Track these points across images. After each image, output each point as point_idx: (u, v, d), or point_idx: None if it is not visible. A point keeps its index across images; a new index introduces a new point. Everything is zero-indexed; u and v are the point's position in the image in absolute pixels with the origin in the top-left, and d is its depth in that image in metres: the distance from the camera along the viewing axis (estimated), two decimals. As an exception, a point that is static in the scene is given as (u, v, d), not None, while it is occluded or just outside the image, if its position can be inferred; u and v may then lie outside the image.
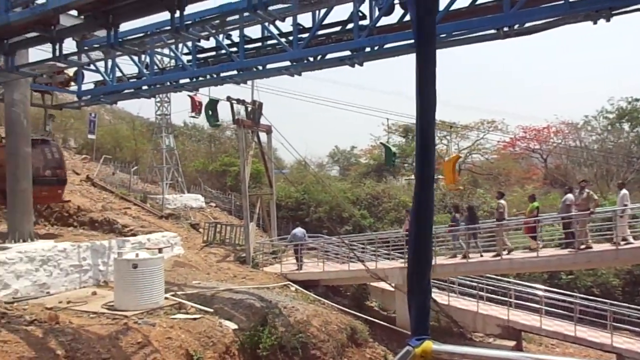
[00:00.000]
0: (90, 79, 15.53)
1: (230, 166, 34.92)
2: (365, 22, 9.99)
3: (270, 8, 8.34)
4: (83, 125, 27.69)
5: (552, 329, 15.37)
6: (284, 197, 30.36)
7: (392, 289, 16.65)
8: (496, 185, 35.74)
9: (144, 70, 13.37)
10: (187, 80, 13.39)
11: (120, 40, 8.89)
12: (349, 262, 17.81)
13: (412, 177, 39.06)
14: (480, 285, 17.36)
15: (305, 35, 10.51)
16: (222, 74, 12.60)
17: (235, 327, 11.80)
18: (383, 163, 40.10)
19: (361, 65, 10.83)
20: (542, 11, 8.33)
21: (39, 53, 12.06)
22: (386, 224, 27.98)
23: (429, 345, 2.14)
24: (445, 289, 17.96)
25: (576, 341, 15.03)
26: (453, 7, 8.73)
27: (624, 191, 14.10)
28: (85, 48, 10.08)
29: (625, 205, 13.82)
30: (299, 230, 19.56)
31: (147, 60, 13.42)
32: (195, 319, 11.31)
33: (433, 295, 15.44)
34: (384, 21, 9.78)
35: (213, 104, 17.58)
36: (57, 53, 9.40)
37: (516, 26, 8.91)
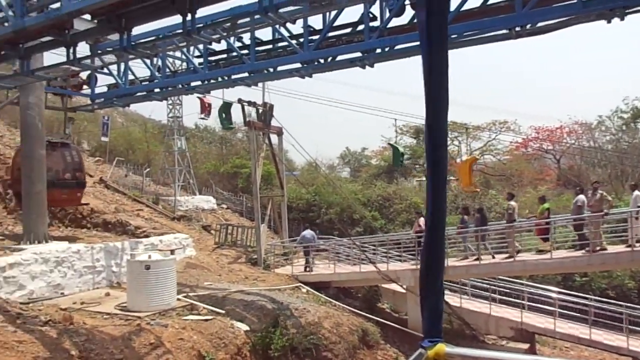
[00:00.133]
0: (103, 82, 15.71)
1: (242, 168, 35.04)
2: (376, 24, 9.98)
3: (281, 10, 8.35)
4: (96, 127, 28.00)
5: (567, 332, 15.20)
6: (295, 198, 30.39)
7: (404, 291, 16.58)
8: (509, 186, 35.46)
9: (156, 73, 13.48)
10: (199, 82, 13.48)
11: (132, 43, 8.97)
12: (360, 263, 17.78)
13: (424, 178, 38.93)
14: (492, 287, 17.23)
15: (316, 37, 10.53)
16: (233, 76, 12.66)
17: (247, 328, 11.83)
18: (401, 165, 40.10)
19: (372, 66, 10.82)
20: (554, 11, 8.26)
21: (53, 57, 12.23)
22: (397, 225, 27.90)
23: (442, 348, 2.14)
24: (457, 290, 17.84)
25: (591, 344, 14.85)
26: (464, 8, 8.69)
27: (637, 192, 13.91)
28: (99, 51, 10.17)
29: (639, 207, 13.64)
30: (308, 232, 19.57)
31: (159, 63, 13.53)
32: (207, 320, 11.36)
33: (445, 297, 15.38)
34: (395, 22, 9.76)
35: (226, 107, 17.66)
36: (71, 57, 9.49)
37: (528, 26, 8.85)
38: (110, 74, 14.08)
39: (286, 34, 10.98)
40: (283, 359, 11.84)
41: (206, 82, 13.31)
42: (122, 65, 13.87)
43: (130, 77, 14.27)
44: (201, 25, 8.43)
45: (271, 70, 12.05)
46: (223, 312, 12.18)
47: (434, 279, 2.37)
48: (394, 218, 29.24)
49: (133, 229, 19.63)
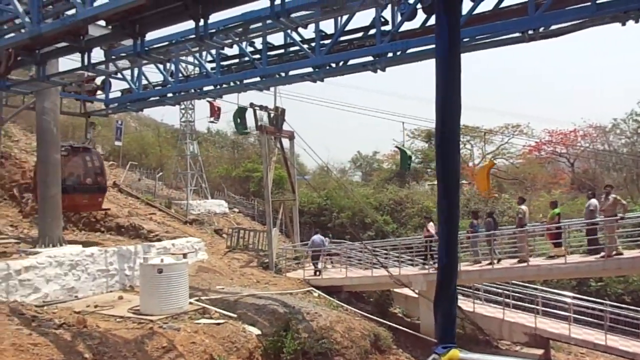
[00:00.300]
0: (117, 87, 15.88)
1: (253, 172, 35.17)
2: (388, 28, 9.97)
3: (293, 15, 8.40)
4: (110, 132, 28.30)
5: (582, 338, 14.99)
6: (307, 202, 30.40)
7: (416, 296, 16.48)
8: (522, 190, 35.16)
9: (169, 78, 13.60)
10: (211, 87, 13.58)
11: (146, 49, 9.07)
12: (372, 268, 17.72)
13: (436, 182, 38.69)
14: (506, 292, 17.06)
15: (328, 41, 10.55)
16: (245, 81, 12.72)
17: (259, 332, 11.84)
18: (408, 168, 39.95)
19: (383, 70, 10.82)
20: (568, 13, 8.19)
21: (68, 62, 12.39)
22: (409, 229, 27.77)
23: (456, 353, 2.13)
24: (470, 295, 17.70)
25: (607, 350, 14.62)
26: (476, 11, 8.66)
27: None
28: (113, 57, 10.31)
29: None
30: (317, 237, 19.58)
31: (172, 68, 13.65)
32: (219, 324, 11.39)
33: (458, 302, 15.26)
34: (407, 26, 9.76)
35: (241, 112, 17.74)
36: (86, 62, 9.63)
37: (541, 29, 8.78)
38: (124, 79, 14.24)
39: (298, 38, 11.02)
40: (295, 364, 11.83)
41: (218, 86, 13.41)
42: (136, 71, 14.03)
43: (144, 82, 14.42)
44: (214, 30, 8.50)
45: (283, 74, 12.10)
46: (235, 316, 12.20)
47: (447, 284, 2.36)
48: (405, 222, 29.10)
49: (146, 233, 19.78)
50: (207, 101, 22.23)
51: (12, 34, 9.35)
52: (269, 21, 8.66)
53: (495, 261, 15.49)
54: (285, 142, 22.19)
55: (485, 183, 16.13)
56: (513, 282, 17.20)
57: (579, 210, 24.72)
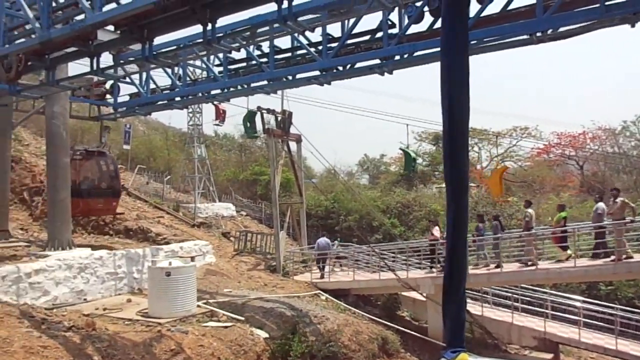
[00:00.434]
0: (125, 91, 15.97)
1: (261, 175, 35.21)
2: (395, 31, 9.97)
3: (300, 19, 8.42)
4: (118, 136, 28.46)
5: (592, 342, 14.85)
6: (314, 205, 30.39)
7: (424, 299, 16.42)
8: (530, 192, 34.95)
9: (177, 82, 13.68)
10: (219, 91, 13.64)
11: (154, 53, 9.13)
12: (380, 271, 17.68)
13: (444, 185, 38.56)
14: (515, 295, 16.95)
15: (335, 44, 10.56)
16: (252, 85, 12.77)
17: (266, 335, 11.84)
18: (413, 170, 39.86)
19: (391, 73, 10.80)
20: (576, 15, 8.14)
21: (77, 67, 12.50)
22: (417, 232, 27.67)
23: (465, 357, 2.12)
24: (478, 299, 17.60)
25: (618, 355, 14.46)
26: (484, 14, 8.63)
27: None
28: (121, 61, 10.38)
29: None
30: (323, 240, 19.59)
31: (180, 72, 13.73)
32: (226, 327, 11.40)
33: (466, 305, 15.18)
34: (414, 29, 9.75)
35: (251, 115, 17.79)
36: (95, 67, 9.70)
37: (550, 31, 8.73)
38: (132, 83, 14.34)
39: (305, 42, 11.05)
40: (302, 367, 11.82)
41: (226, 90, 13.46)
42: (144, 75, 14.12)
43: (152, 86, 14.51)
44: (221, 34, 8.54)
45: (290, 78, 12.12)
46: (242, 319, 12.22)
47: (456, 288, 2.35)
48: (413, 225, 29.00)
49: (154, 236, 19.87)
50: (213, 104, 22.30)
51: (23, 39, 9.46)
52: (276, 25, 8.68)
53: (492, 265, 15.45)
54: (293, 145, 22.24)
55: (498, 187, 16.12)
56: (522, 285, 17.09)
57: (588, 213, 24.52)
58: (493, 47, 9.48)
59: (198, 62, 13.40)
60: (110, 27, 8.26)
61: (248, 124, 17.92)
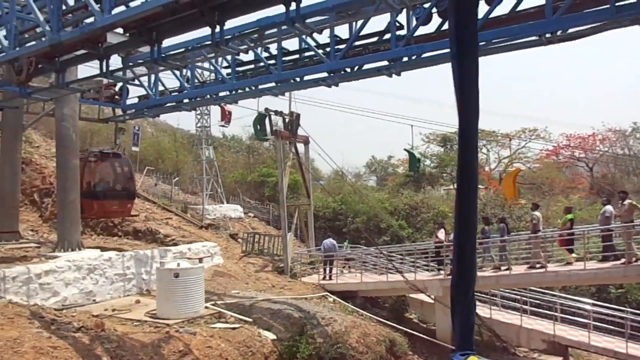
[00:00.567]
0: (134, 93, 16.08)
1: (268, 177, 35.28)
2: (403, 32, 9.96)
3: (308, 21, 8.43)
4: (127, 137, 28.59)
5: (602, 345, 14.71)
6: (322, 207, 30.39)
7: (432, 301, 16.36)
8: (539, 194, 34.73)
9: (185, 84, 13.73)
10: (227, 92, 13.67)
11: (163, 55, 9.16)
12: (388, 273, 17.63)
13: (451, 187, 38.49)
14: (524, 298, 16.84)
15: (343, 46, 10.55)
16: (260, 86, 12.79)
17: (274, 337, 11.85)
18: (421, 173, 39.77)
19: (398, 75, 10.79)
20: (586, 16, 8.08)
21: (87, 70, 12.60)
22: (425, 234, 27.59)
23: (475, 360, 2.10)
24: (487, 301, 17.51)
25: (628, 359, 14.33)
26: (492, 15, 8.60)
27: None
28: (130, 64, 10.44)
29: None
30: (328, 241, 19.59)
31: (188, 74, 13.78)
32: (234, 328, 11.42)
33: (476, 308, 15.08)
34: (422, 30, 9.72)
35: (261, 118, 17.83)
36: (104, 69, 9.76)
37: (559, 32, 8.68)
38: (141, 85, 14.41)
39: (313, 43, 11.04)
40: (310, 369, 11.81)
41: (234, 92, 13.49)
42: (153, 77, 14.18)
43: (160, 88, 14.57)
44: (229, 36, 8.56)
45: (298, 79, 12.12)
46: (250, 320, 12.23)
47: (465, 290, 2.34)
48: (421, 227, 28.93)
49: (162, 237, 19.96)
50: (220, 106, 22.39)
51: (33, 42, 9.55)
52: (284, 27, 8.70)
53: (503, 267, 15.38)
54: (300, 147, 22.26)
55: (511, 190, 16.13)
56: (530, 288, 16.99)
57: (597, 215, 24.30)
58: (502, 49, 9.44)
59: (206, 64, 13.44)
60: (120, 30, 8.30)
61: (258, 127, 17.96)
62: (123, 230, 20.62)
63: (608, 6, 7.69)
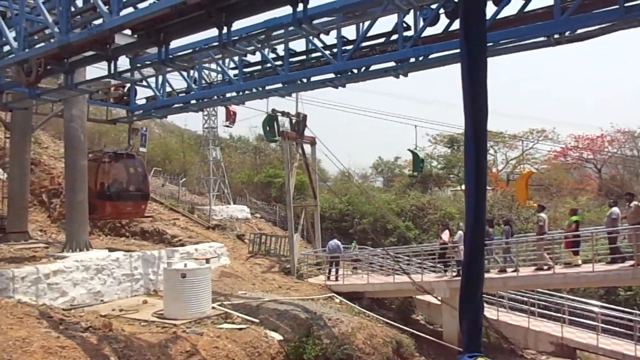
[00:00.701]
0: (141, 94, 16.15)
1: (275, 178, 35.33)
2: (410, 33, 9.95)
3: (315, 22, 8.43)
4: (135, 138, 28.78)
5: (610, 348, 14.60)
6: (328, 208, 30.40)
7: (439, 303, 16.31)
8: (547, 196, 34.54)
9: (193, 85, 13.78)
10: (234, 93, 13.71)
11: (170, 57, 9.20)
12: (394, 274, 17.59)
13: (459, 188, 38.34)
14: (531, 300, 16.75)
15: (350, 47, 10.56)
16: (267, 87, 12.81)
17: (281, 338, 11.85)
18: (428, 174, 39.68)
19: (406, 76, 10.77)
20: (595, 17, 8.03)
21: (95, 71, 12.67)
22: (432, 235, 27.52)
23: (483, 362, 2.10)
24: (494, 303, 17.43)
25: (637, 361, 14.22)
26: (500, 15, 8.57)
27: None
28: (138, 65, 10.48)
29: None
30: (333, 242, 19.56)
31: (196, 75, 13.83)
32: (241, 329, 11.44)
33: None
34: (429, 31, 9.71)
35: (271, 119, 17.84)
36: (112, 70, 9.82)
37: (567, 33, 8.63)
38: (148, 86, 14.48)
39: (320, 44, 11.05)
40: (316, 370, 11.80)
41: (241, 93, 13.53)
42: (160, 78, 14.24)
43: (168, 89, 14.63)
44: (236, 37, 8.58)
45: (305, 80, 12.14)
46: (257, 321, 12.25)
47: (473, 292, 2.34)
48: (428, 228, 28.88)
49: (169, 238, 20.05)
50: (224, 106, 22.42)
51: (42, 44, 9.61)
52: (291, 28, 8.69)
53: (510, 269, 15.32)
54: (307, 148, 22.28)
55: (524, 193, 16.10)
56: (538, 290, 16.89)
57: (606, 217, 24.16)
58: (510, 49, 9.40)
59: (213, 65, 13.48)
60: (128, 31, 8.35)
61: (267, 128, 17.99)
62: (131, 230, 20.72)
63: (617, 7, 7.64)
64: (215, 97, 14.41)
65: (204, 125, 31.23)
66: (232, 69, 13.05)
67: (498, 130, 38.08)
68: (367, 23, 10.08)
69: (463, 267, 2.39)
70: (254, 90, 13.22)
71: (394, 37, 10.25)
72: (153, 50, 9.29)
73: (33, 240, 15.94)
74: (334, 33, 10.38)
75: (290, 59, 11.67)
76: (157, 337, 10.06)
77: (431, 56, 9.98)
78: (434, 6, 9.03)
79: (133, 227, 20.75)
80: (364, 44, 10.56)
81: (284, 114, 19.92)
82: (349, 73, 11.24)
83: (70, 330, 9.24)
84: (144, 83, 14.34)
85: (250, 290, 15.66)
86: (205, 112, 29.94)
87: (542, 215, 15.71)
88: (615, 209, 14.20)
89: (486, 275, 15.12)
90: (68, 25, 8.40)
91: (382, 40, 10.59)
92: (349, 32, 10.75)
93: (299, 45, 11.59)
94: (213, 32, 8.16)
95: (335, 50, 10.83)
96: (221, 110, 30.58)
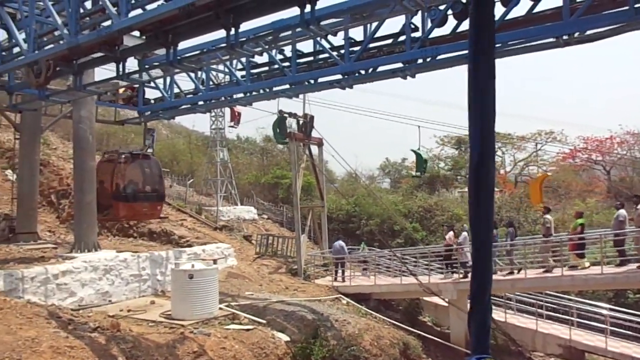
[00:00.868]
0: (149, 95, 16.21)
1: (282, 179, 35.36)
2: (418, 34, 9.93)
3: (323, 23, 8.42)
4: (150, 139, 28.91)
5: (619, 351, 14.47)
6: (335, 209, 30.37)
7: (446, 304, 16.25)
8: (555, 197, 34.33)
9: (200, 86, 13.83)
10: (241, 95, 13.73)
11: (178, 58, 9.22)
12: (401, 275, 17.55)
13: (466, 189, 38.18)
14: (539, 302, 16.64)
15: (357, 48, 10.55)
16: (274, 89, 12.82)
17: (288, 339, 11.86)
18: (436, 175, 39.58)
19: (413, 77, 10.74)
20: (604, 18, 7.97)
21: (104, 72, 12.75)
22: (439, 237, 27.41)
23: (491, 364, 2.09)
24: (501, 305, 17.33)
25: (646, 364, 14.09)
26: (509, 16, 8.53)
27: None
28: (146, 66, 10.54)
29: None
30: (337, 243, 19.55)
31: (203, 76, 13.88)
32: (248, 329, 11.46)
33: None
34: (437, 32, 9.68)
35: (281, 121, 17.82)
36: (121, 72, 9.87)
37: (577, 34, 8.57)
38: (156, 87, 14.54)
39: (327, 45, 11.06)
40: (323, 371, 11.80)
41: (248, 94, 13.54)
42: (168, 79, 14.30)
43: (176, 90, 14.69)
44: (244, 39, 8.59)
45: (312, 81, 12.14)
46: (264, 322, 12.26)
47: (481, 294, 2.32)
48: (435, 230, 28.77)
49: (177, 239, 20.11)
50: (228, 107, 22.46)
51: (52, 46, 9.68)
52: (298, 29, 8.70)
53: (516, 271, 15.24)
54: (314, 149, 22.29)
55: (538, 196, 16.08)
56: (546, 292, 16.78)
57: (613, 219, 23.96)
58: (518, 50, 9.35)
59: (221, 67, 13.52)
60: (136, 33, 8.39)
61: (278, 130, 17.96)
62: (138, 231, 20.81)
63: (627, 8, 7.58)
64: (223, 98, 14.44)
65: (212, 126, 31.33)
66: (240, 70, 13.09)
67: (506, 131, 37.90)
68: (374, 24, 10.07)
69: (472, 268, 2.38)
70: (262, 91, 13.24)
71: (402, 38, 10.24)
72: (161, 51, 9.33)
73: (42, 240, 16.05)
74: (341, 34, 10.39)
75: (298, 60, 11.68)
76: (165, 337, 10.10)
77: (439, 57, 9.94)
78: (441, 7, 9.01)
79: (141, 227, 20.84)
80: (371, 45, 10.56)
81: (291, 115, 19.95)
82: (357, 74, 11.23)
83: (78, 331, 9.30)
84: (152, 84, 14.40)
85: (257, 291, 15.68)
86: (213, 114, 30.07)
87: (548, 217, 15.64)
88: (622, 212, 14.11)
89: (494, 277, 15.06)
90: (77, 27, 8.45)
91: (389, 41, 10.58)
92: (357, 33, 10.76)
93: (306, 46, 11.63)
94: (221, 33, 8.18)
95: (342, 51, 10.83)
96: (228, 112, 30.69)
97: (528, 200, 31.72)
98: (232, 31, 7.78)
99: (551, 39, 8.83)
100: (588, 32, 8.52)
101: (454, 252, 16.77)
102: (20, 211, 15.82)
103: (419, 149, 17.76)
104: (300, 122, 20.71)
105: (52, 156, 23.24)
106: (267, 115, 33.88)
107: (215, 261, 13.89)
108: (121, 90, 15.07)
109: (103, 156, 15.70)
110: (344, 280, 18.47)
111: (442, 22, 9.10)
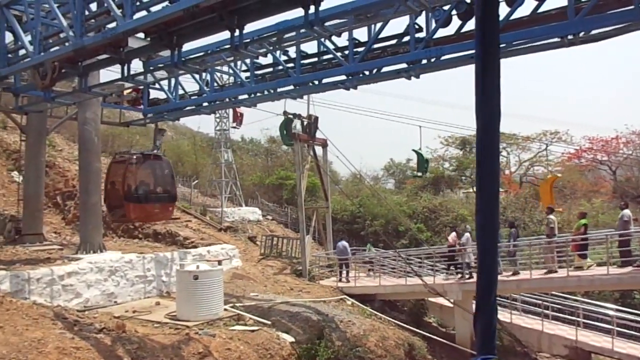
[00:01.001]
0: (154, 97, 16.23)
1: (287, 179, 35.37)
2: (422, 35, 9.92)
3: (327, 24, 8.43)
4: (148, 141, 28.95)
5: (626, 352, 14.39)
6: (340, 210, 30.35)
7: (451, 305, 16.20)
8: (560, 198, 34.18)
9: (205, 88, 13.86)
10: (246, 96, 13.74)
11: (183, 59, 9.26)
12: (406, 276, 17.53)
13: (471, 190, 38.10)
14: (545, 303, 16.57)
15: (361, 49, 10.56)
16: (279, 90, 12.83)
17: (293, 340, 11.86)
18: (440, 175, 39.51)
19: (417, 77, 10.73)
20: (609, 17, 7.93)
21: (109, 74, 12.80)
22: (444, 238, 27.33)
23: (497, 365, 2.08)
24: (507, 306, 17.28)
25: (653, 365, 14.01)
26: (514, 16, 8.51)
27: None
28: (151, 68, 10.57)
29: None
30: (340, 244, 19.55)
31: (208, 77, 13.91)
32: (253, 330, 11.47)
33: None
34: (441, 33, 9.67)
35: (288, 123, 17.80)
36: (126, 73, 9.91)
37: (582, 34, 8.54)
38: (161, 89, 14.59)
39: (331, 46, 11.06)
40: (328, 372, 11.79)
41: (253, 95, 13.56)
42: (173, 81, 14.35)
43: (180, 91, 14.73)
44: (248, 40, 8.61)
45: (316, 82, 12.14)
46: (269, 323, 12.27)
47: (487, 295, 2.32)
48: (440, 230, 28.72)
49: (182, 240, 20.15)
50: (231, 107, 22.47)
51: (57, 47, 9.73)
52: (302, 30, 8.70)
53: (519, 272, 15.21)
54: (318, 150, 22.27)
55: (548, 197, 16.06)
56: (552, 293, 16.72)
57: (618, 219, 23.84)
58: (523, 50, 9.32)
59: (225, 68, 13.55)
60: (141, 35, 8.43)
61: (284, 132, 17.95)
62: (143, 232, 20.87)
63: (632, 7, 7.55)
64: (227, 100, 14.46)
65: (216, 128, 31.39)
66: (244, 71, 13.11)
67: (511, 132, 37.76)
68: (378, 25, 10.07)
69: (477, 269, 2.37)
70: (266, 92, 13.25)
71: (406, 38, 10.23)
72: (166, 53, 9.36)
73: (48, 242, 16.14)
74: (345, 35, 10.38)
75: (302, 61, 11.69)
76: (170, 338, 10.12)
77: (443, 57, 9.92)
78: (446, 7, 9.00)
79: (146, 229, 20.90)
80: (375, 46, 10.55)
81: (295, 115, 19.95)
82: (361, 75, 11.22)
83: (84, 332, 9.33)
84: (157, 86, 14.45)
85: (262, 292, 15.69)
86: (217, 115, 30.10)
87: (552, 217, 15.59)
88: (627, 212, 14.06)
89: (499, 277, 15.02)
90: (82, 29, 8.50)
91: (393, 42, 10.57)
92: (361, 34, 10.76)
93: (310, 47, 11.62)
94: (225, 34, 8.20)
95: (346, 52, 10.83)
96: (231, 112, 30.73)
97: (533, 201, 31.68)
98: (237, 32, 7.80)
99: (556, 39, 8.80)
100: (593, 32, 8.48)
101: (457, 253, 16.72)
102: (26, 212, 15.91)
103: (420, 149, 17.75)
104: (305, 123, 20.72)
105: (57, 158, 23.34)
106: (271, 116, 34.02)
107: (220, 262, 13.90)
108: (126, 92, 15.12)
109: (114, 157, 15.69)
110: (348, 281, 18.47)
111: (447, 22, 9.10)
